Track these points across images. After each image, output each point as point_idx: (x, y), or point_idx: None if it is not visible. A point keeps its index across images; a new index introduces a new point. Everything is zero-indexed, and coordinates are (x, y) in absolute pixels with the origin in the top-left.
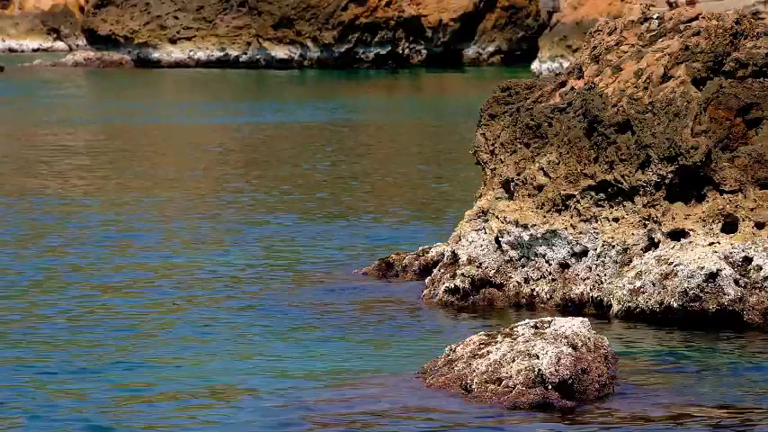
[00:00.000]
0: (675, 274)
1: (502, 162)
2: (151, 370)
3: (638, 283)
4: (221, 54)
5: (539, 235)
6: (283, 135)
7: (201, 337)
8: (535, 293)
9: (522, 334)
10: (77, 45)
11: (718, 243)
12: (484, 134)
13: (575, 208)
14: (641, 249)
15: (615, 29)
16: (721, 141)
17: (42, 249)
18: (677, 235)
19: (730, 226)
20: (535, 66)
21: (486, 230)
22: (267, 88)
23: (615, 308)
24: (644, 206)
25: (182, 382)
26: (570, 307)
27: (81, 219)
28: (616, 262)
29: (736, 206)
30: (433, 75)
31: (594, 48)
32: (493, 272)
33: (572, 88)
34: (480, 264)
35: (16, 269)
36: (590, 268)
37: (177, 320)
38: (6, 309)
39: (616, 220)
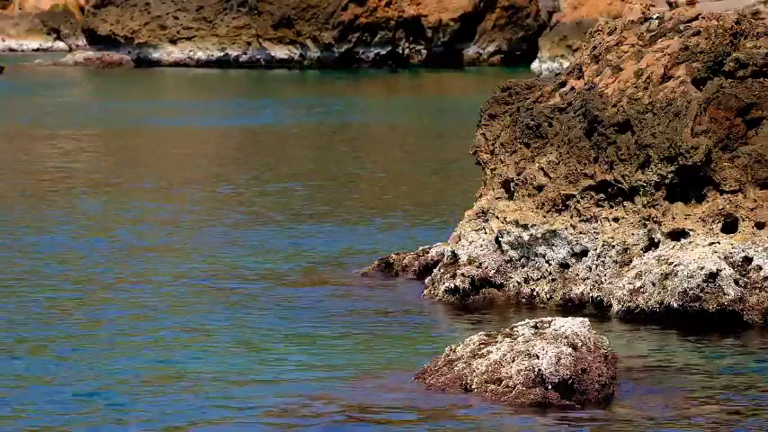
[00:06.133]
0: (675, 274)
1: (502, 162)
2: (154, 364)
3: (638, 283)
4: (221, 54)
5: (539, 235)
6: (284, 135)
7: (202, 334)
8: (535, 293)
9: (522, 334)
10: (77, 45)
11: (718, 243)
12: (484, 134)
13: (575, 208)
14: (641, 249)
15: (615, 29)
16: (721, 141)
17: (36, 249)
18: (677, 235)
19: (730, 226)
20: (535, 66)
21: (486, 230)
22: (267, 88)
23: (615, 308)
24: (644, 206)
25: (185, 376)
26: (570, 307)
27: (76, 219)
28: (616, 262)
29: (736, 206)
30: (433, 74)
31: (594, 48)
32: (493, 272)
33: (572, 88)
34: (480, 264)
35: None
36: (590, 268)
37: (179, 317)
38: None
39: (616, 220)
